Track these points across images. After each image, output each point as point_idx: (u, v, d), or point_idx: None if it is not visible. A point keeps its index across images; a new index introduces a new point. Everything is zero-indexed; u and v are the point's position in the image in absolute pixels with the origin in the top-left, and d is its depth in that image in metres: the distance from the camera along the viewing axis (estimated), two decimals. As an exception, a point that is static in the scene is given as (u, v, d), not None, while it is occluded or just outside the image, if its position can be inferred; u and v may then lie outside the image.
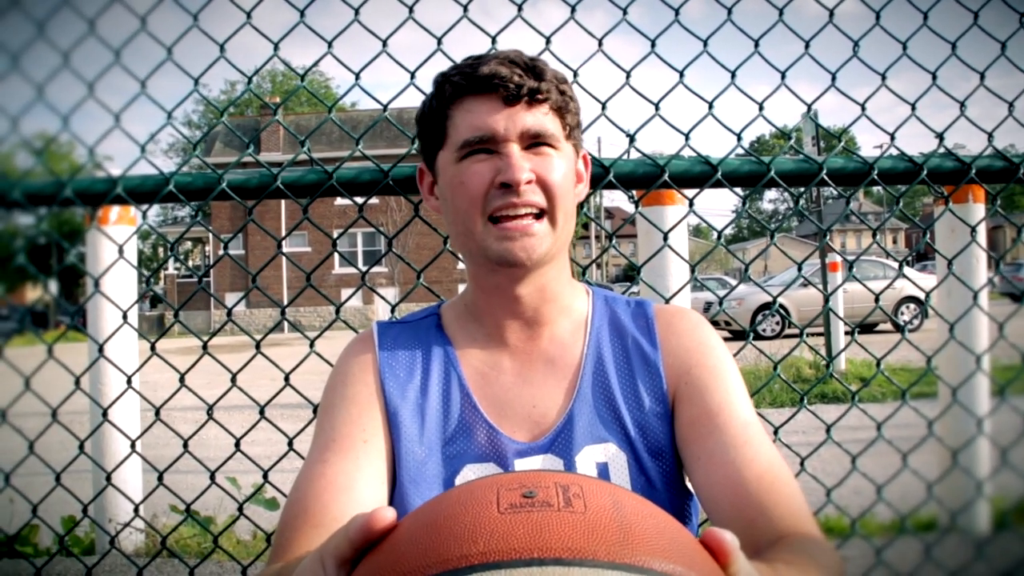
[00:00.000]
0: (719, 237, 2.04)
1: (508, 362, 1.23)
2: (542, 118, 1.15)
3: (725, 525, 1.04)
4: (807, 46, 2.04)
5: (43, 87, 2.06)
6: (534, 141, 1.15)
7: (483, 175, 1.14)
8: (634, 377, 1.21)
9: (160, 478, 2.10)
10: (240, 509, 2.15)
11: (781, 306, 14.44)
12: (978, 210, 2.92)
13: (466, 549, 0.64)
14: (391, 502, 1.16)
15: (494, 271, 1.19)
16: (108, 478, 2.22)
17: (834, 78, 2.07)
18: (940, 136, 2.09)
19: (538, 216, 1.15)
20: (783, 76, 2.06)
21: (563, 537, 0.64)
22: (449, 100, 1.17)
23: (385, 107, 1.98)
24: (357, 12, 1.98)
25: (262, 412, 2.03)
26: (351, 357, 1.26)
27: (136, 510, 2.25)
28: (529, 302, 1.21)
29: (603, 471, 1.16)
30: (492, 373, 1.22)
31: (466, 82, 1.15)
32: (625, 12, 2.01)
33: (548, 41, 1.90)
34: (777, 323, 16.31)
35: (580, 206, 1.33)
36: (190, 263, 42.28)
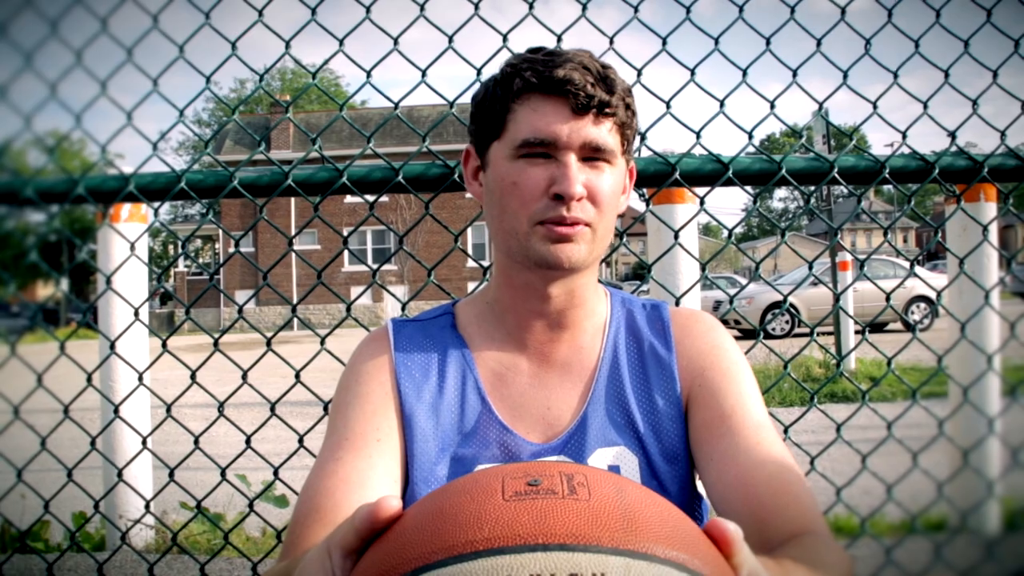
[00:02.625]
0: (729, 235, 2.04)
1: (525, 364, 1.23)
2: (605, 132, 1.13)
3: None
4: (819, 44, 2.03)
5: (56, 85, 2.06)
6: (592, 155, 1.13)
7: (537, 181, 1.12)
8: (648, 381, 1.22)
9: (171, 475, 2.10)
10: (250, 506, 2.16)
11: (791, 305, 14.41)
12: (990, 209, 2.91)
13: (471, 535, 0.64)
14: (403, 501, 1.16)
15: (529, 269, 1.18)
16: (119, 474, 2.23)
17: (846, 76, 2.07)
18: (952, 134, 2.08)
19: (583, 224, 1.14)
20: (794, 74, 2.05)
21: (567, 523, 0.64)
22: (516, 93, 1.14)
23: (396, 105, 1.98)
24: (368, 10, 1.99)
25: (272, 409, 2.04)
26: (365, 355, 1.25)
27: (147, 506, 2.26)
28: (557, 303, 1.21)
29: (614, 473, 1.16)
30: (508, 374, 1.22)
31: (538, 80, 1.12)
32: (636, 10, 2.01)
33: (559, 39, 1.90)
34: (787, 322, 16.26)
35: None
36: (201, 260, 42.42)
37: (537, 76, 1.13)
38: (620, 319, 1.28)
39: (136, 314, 2.21)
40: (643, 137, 2.00)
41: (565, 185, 1.10)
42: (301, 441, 2.05)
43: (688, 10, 2.01)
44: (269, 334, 2.02)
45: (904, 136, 2.08)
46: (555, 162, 1.12)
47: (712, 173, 2.00)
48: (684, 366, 1.22)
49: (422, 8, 1.98)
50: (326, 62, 2.06)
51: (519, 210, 1.14)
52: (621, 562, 0.62)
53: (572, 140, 1.12)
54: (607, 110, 1.13)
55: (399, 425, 1.19)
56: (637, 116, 1.21)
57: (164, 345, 2.06)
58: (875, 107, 2.06)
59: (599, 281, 1.37)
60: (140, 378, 2.23)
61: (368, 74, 2.00)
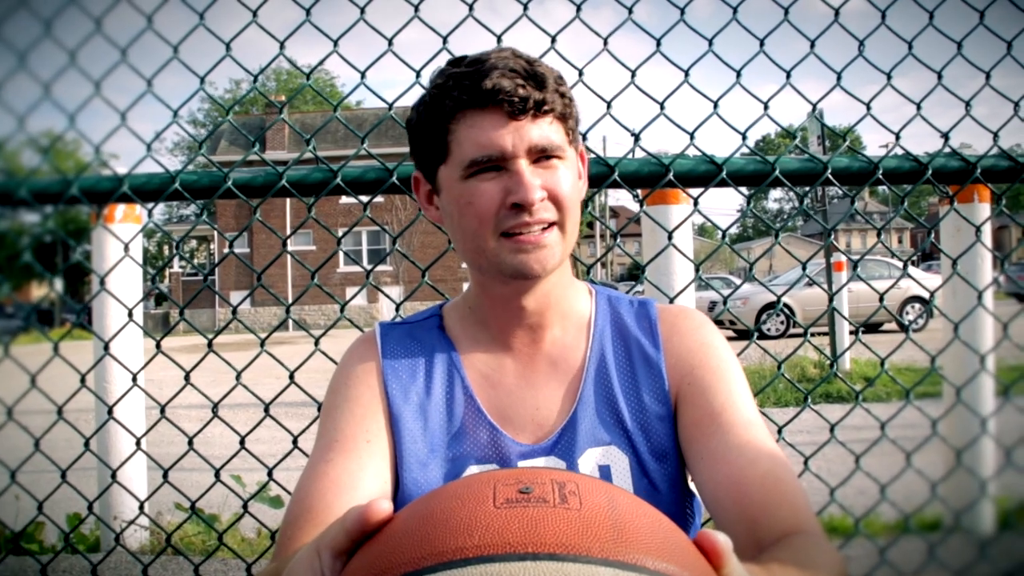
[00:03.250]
0: (724, 236, 2.04)
1: (511, 365, 1.23)
2: (547, 129, 1.12)
3: (728, 525, 1.05)
4: (812, 45, 2.04)
5: (49, 86, 2.06)
6: (541, 155, 1.12)
7: (492, 195, 1.11)
8: (636, 379, 1.21)
9: (165, 476, 2.10)
10: (245, 507, 2.16)
11: (786, 305, 14.42)
12: (983, 210, 2.91)
13: (461, 542, 0.64)
14: (394, 503, 1.16)
15: (505, 283, 1.17)
16: (113, 475, 2.23)
17: (839, 77, 2.07)
18: (945, 135, 2.08)
19: (549, 226, 1.13)
20: (788, 75, 2.06)
21: (558, 533, 0.64)
22: (449, 114, 1.12)
23: (390, 105, 1.98)
24: (363, 11, 1.99)
25: (267, 410, 2.04)
26: (354, 358, 1.26)
27: (141, 507, 2.26)
28: (533, 309, 1.21)
29: (605, 473, 1.16)
30: (495, 375, 1.22)
31: (467, 96, 1.10)
32: (630, 11, 2.01)
33: (554, 40, 1.90)
34: (782, 322, 16.29)
35: (584, 204, 1.32)
36: (195, 261, 42.33)
37: (466, 92, 1.10)
38: (606, 317, 1.27)
39: (130, 315, 2.21)
40: (637, 138, 2.01)
41: (522, 193, 1.09)
42: (295, 442, 2.05)
43: (682, 11, 2.02)
44: (264, 335, 2.02)
45: (898, 137, 2.09)
46: (506, 172, 1.11)
47: (706, 174, 2.00)
48: (672, 364, 1.21)
49: (416, 9, 1.98)
50: (321, 63, 2.06)
51: (480, 227, 1.12)
52: (610, 573, 0.62)
53: (518, 147, 1.10)
54: (544, 108, 1.11)
55: (387, 426, 1.19)
56: (574, 101, 1.18)
57: (158, 346, 2.06)
58: (869, 108, 2.07)
59: (591, 281, 1.36)
60: (134, 379, 2.22)
61: (362, 75, 2.00)
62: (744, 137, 2.01)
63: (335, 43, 1.97)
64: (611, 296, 1.31)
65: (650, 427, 1.19)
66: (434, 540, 0.66)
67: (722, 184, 2.00)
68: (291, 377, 2.01)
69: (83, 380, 2.11)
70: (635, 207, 2.26)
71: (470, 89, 1.10)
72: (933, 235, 2.25)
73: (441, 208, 1.22)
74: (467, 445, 1.18)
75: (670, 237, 2.13)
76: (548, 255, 1.13)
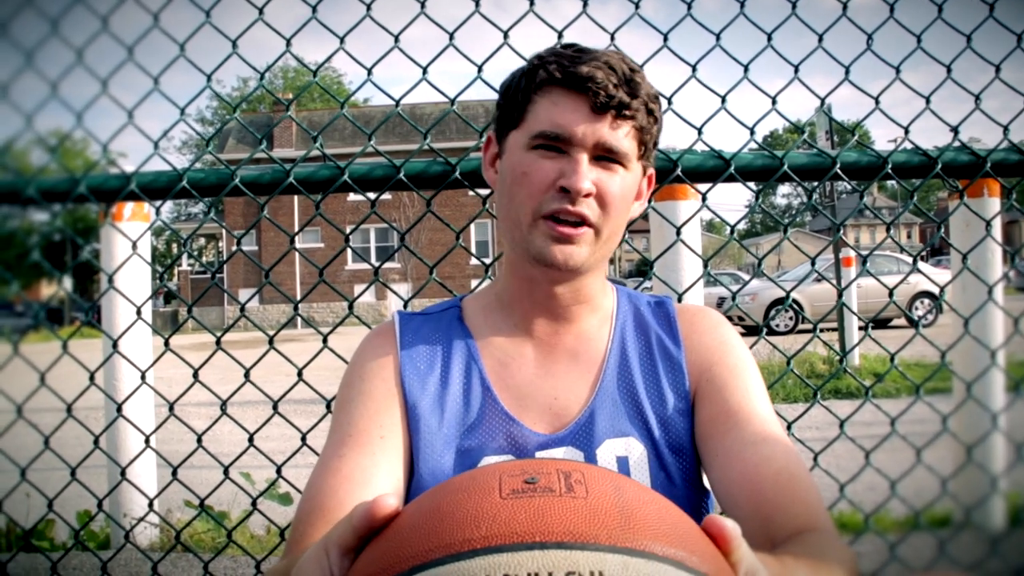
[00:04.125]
0: (732, 232, 2.04)
1: (531, 352, 1.23)
2: (621, 135, 1.13)
3: (742, 521, 1.04)
4: (820, 39, 2.03)
5: (57, 84, 2.07)
6: (605, 155, 1.13)
7: (547, 173, 1.12)
8: (658, 374, 1.22)
9: (174, 473, 2.11)
10: (254, 504, 2.16)
11: (794, 301, 14.39)
12: (993, 204, 2.90)
13: (469, 533, 0.64)
14: (409, 495, 1.16)
15: (532, 264, 1.18)
16: (123, 473, 2.24)
17: (848, 72, 2.06)
18: (955, 129, 2.07)
19: (586, 225, 1.14)
20: (796, 70, 2.05)
21: (565, 521, 0.64)
22: (539, 85, 1.15)
23: (397, 102, 1.98)
24: (369, 7, 1.98)
25: (275, 408, 2.04)
26: (369, 351, 1.25)
27: (151, 505, 2.26)
28: (562, 301, 1.22)
29: (623, 465, 1.16)
30: (514, 363, 1.22)
31: (561, 74, 1.12)
32: (637, 6, 2.00)
33: (560, 36, 1.90)
34: (791, 318, 16.25)
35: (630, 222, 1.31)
36: (203, 259, 42.44)
37: (561, 70, 1.13)
38: (627, 312, 1.28)
39: (139, 313, 2.21)
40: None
41: (573, 179, 1.10)
42: (304, 439, 2.05)
43: (689, 6, 2.01)
44: (272, 332, 2.02)
45: (907, 131, 2.08)
46: (567, 157, 1.12)
47: (714, 169, 1.99)
48: (692, 361, 1.22)
49: (423, 5, 1.98)
50: (327, 60, 2.06)
51: (525, 201, 1.14)
52: (619, 560, 0.62)
53: (587, 138, 1.11)
54: (626, 112, 1.12)
55: (403, 420, 1.19)
56: (661, 124, 1.20)
57: (167, 344, 2.06)
58: (877, 103, 2.06)
59: (608, 279, 1.37)
60: (143, 377, 2.23)
61: (369, 72, 2.00)
62: (752, 132, 2.00)
63: (342, 40, 1.97)
64: (631, 294, 1.33)
65: (669, 421, 1.19)
66: (441, 533, 0.65)
67: (730, 179, 1.99)
68: (300, 374, 2.01)
69: (92, 378, 2.12)
70: (643, 203, 2.26)
71: (566, 69, 1.13)
72: (943, 230, 2.24)
73: (501, 172, 1.23)
74: (483, 436, 1.18)
75: (678, 233, 2.12)
76: (576, 252, 1.14)
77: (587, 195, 1.12)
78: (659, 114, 1.19)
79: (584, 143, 1.11)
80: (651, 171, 1.27)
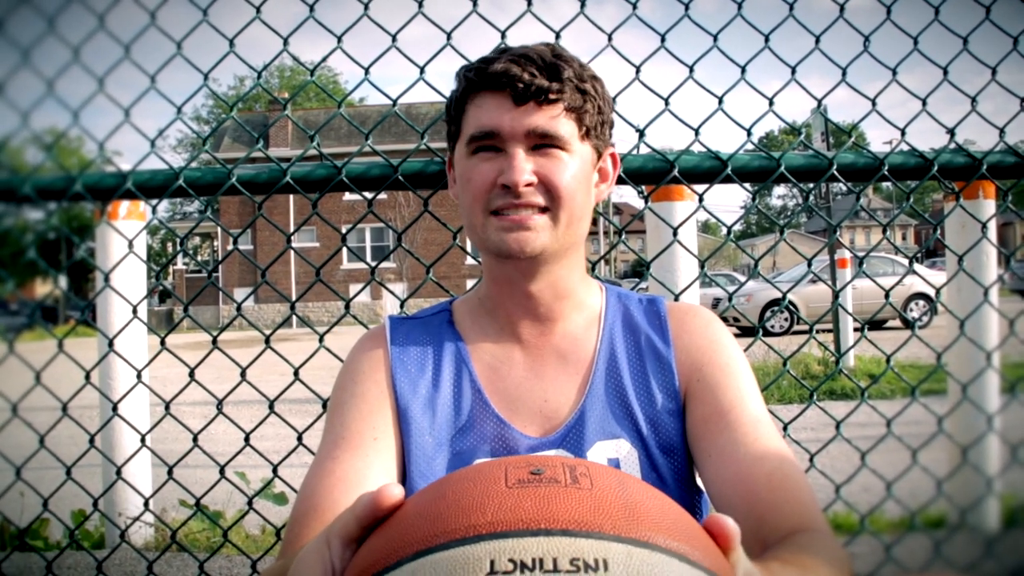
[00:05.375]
0: (728, 233, 2.04)
1: (520, 356, 1.23)
2: (551, 119, 1.14)
3: (735, 522, 1.05)
4: (817, 41, 2.03)
5: (53, 82, 2.06)
6: (542, 142, 1.14)
7: (487, 174, 1.15)
8: (647, 374, 1.22)
9: (170, 472, 2.10)
10: (249, 503, 2.16)
11: (790, 302, 14.42)
12: (989, 206, 2.90)
13: (474, 519, 0.65)
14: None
15: (501, 262, 1.20)
16: (118, 472, 2.23)
17: (844, 73, 2.06)
18: (951, 131, 2.07)
19: (540, 211, 1.15)
20: (793, 71, 2.05)
21: (570, 510, 0.64)
22: (465, 94, 1.18)
23: (394, 102, 1.98)
24: (366, 6, 1.98)
25: (271, 407, 2.03)
26: (362, 353, 1.26)
27: (146, 504, 2.26)
28: (541, 298, 1.22)
29: (614, 466, 1.16)
30: (503, 367, 1.23)
31: (478, 78, 1.16)
32: (635, 7, 2.00)
33: (558, 36, 1.90)
34: (786, 319, 16.26)
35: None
36: (199, 258, 42.40)
37: (478, 74, 1.16)
38: (616, 313, 1.28)
39: (134, 312, 2.21)
40: (642, 134, 2.00)
41: (509, 174, 1.12)
42: (300, 439, 2.05)
43: (687, 7, 2.01)
44: (268, 332, 2.02)
45: (903, 133, 2.08)
46: (503, 154, 1.14)
47: (711, 170, 2.00)
48: (682, 361, 1.22)
49: (420, 5, 1.98)
50: (324, 59, 2.05)
51: (474, 204, 1.17)
52: (623, 549, 0.62)
53: (516, 129, 1.13)
54: (551, 96, 1.14)
55: (395, 422, 1.19)
56: (602, 101, 1.21)
57: (163, 343, 2.06)
58: (874, 104, 2.06)
59: (597, 278, 1.37)
60: (139, 376, 2.22)
61: (366, 71, 1.99)
62: (749, 133, 2.00)
63: (339, 39, 1.97)
64: (621, 293, 1.32)
65: (660, 422, 1.19)
66: (447, 518, 0.66)
67: (727, 180, 1.99)
68: (295, 374, 2.01)
69: (87, 377, 2.11)
70: (639, 204, 2.26)
71: (481, 71, 1.16)
72: (938, 232, 2.24)
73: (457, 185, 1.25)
74: (474, 439, 1.18)
75: (675, 234, 2.12)
76: (532, 237, 1.15)
77: (528, 185, 1.13)
78: (596, 92, 1.20)
79: (515, 135, 1.13)
80: (610, 151, 1.28)
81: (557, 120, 1.14)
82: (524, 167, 1.13)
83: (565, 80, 1.15)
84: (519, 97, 1.13)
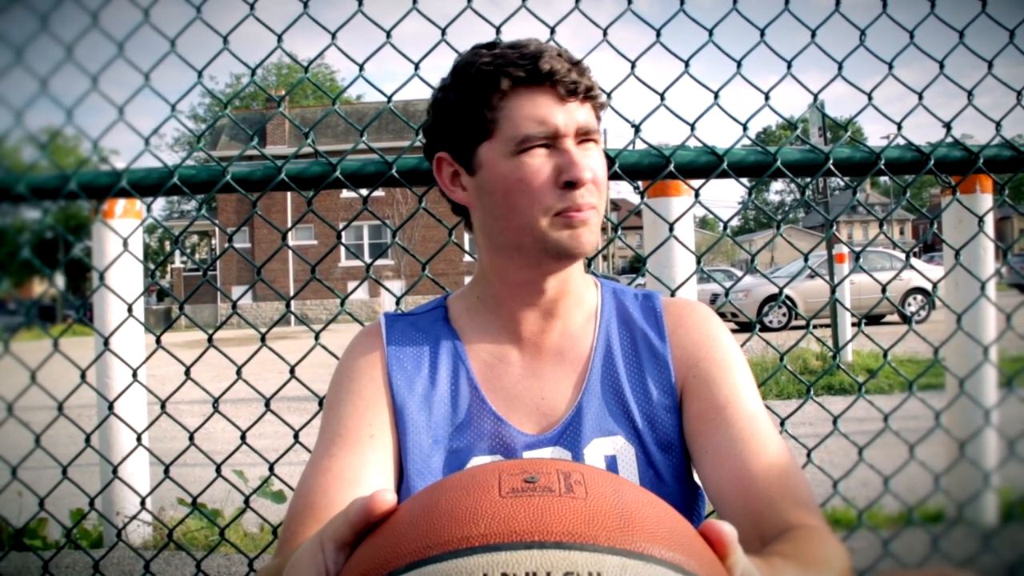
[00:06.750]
0: (725, 228, 2.04)
1: (517, 354, 1.23)
2: (590, 114, 1.16)
3: (732, 518, 1.04)
4: (813, 35, 2.03)
5: (47, 80, 2.05)
6: (584, 138, 1.15)
7: (545, 172, 1.12)
8: (643, 370, 1.21)
9: (167, 471, 2.10)
10: (247, 502, 2.15)
11: (788, 297, 14.43)
12: (986, 200, 2.90)
13: (467, 531, 0.64)
14: (399, 496, 1.16)
15: (538, 264, 1.18)
16: (115, 471, 2.23)
17: (841, 68, 2.06)
18: (948, 125, 2.07)
19: (591, 207, 1.16)
20: (789, 66, 2.05)
21: (564, 521, 0.64)
22: (502, 92, 1.14)
23: (389, 99, 1.97)
24: (361, 3, 1.98)
25: (268, 405, 2.03)
26: (358, 351, 1.25)
27: (143, 503, 2.26)
28: (551, 295, 1.22)
29: (611, 464, 1.16)
30: (501, 365, 1.22)
31: (526, 75, 1.13)
32: (630, 2, 2.00)
33: (553, 31, 1.89)
34: (784, 314, 16.29)
35: None
36: (196, 256, 42.36)
37: (523, 70, 1.13)
38: (612, 309, 1.27)
39: (130, 310, 2.20)
40: (637, 129, 2.00)
41: (576, 172, 1.11)
42: (297, 436, 2.04)
43: (682, 1, 2.01)
44: (265, 330, 2.01)
45: (900, 127, 2.08)
46: (555, 151, 1.13)
47: (707, 165, 1.99)
48: (678, 356, 1.22)
49: (415, 1, 1.97)
50: (319, 55, 2.05)
51: (531, 205, 1.13)
52: (617, 561, 0.62)
53: (568, 127, 1.13)
54: (591, 93, 1.16)
55: (391, 419, 1.18)
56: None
57: (159, 341, 2.05)
58: (870, 98, 2.06)
59: (593, 274, 1.37)
60: (135, 374, 2.22)
61: (361, 68, 1.99)
62: (745, 128, 2.00)
63: (333, 36, 1.96)
64: (616, 288, 1.31)
65: (656, 418, 1.19)
66: (440, 530, 0.65)
67: (723, 175, 1.99)
68: (292, 372, 2.00)
69: (84, 376, 2.11)
70: (636, 199, 2.26)
71: (527, 68, 1.13)
72: (935, 226, 2.24)
73: (478, 187, 1.20)
74: (471, 436, 1.18)
75: (671, 229, 2.12)
76: (591, 235, 1.16)
77: (590, 180, 1.13)
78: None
79: (568, 132, 1.13)
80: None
81: (593, 116, 1.17)
82: (585, 163, 1.13)
83: (589, 75, 1.17)
84: (566, 94, 1.13)
